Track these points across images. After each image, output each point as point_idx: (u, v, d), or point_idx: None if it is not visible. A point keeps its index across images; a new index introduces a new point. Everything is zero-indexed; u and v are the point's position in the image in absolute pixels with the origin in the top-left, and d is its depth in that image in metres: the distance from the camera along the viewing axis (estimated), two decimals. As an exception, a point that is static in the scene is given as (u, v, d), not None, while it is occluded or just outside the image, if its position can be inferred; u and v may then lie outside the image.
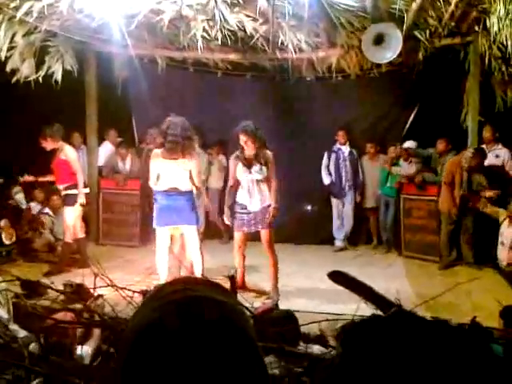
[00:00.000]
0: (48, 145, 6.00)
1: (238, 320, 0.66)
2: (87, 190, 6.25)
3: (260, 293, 5.36)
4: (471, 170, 6.20)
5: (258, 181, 5.07)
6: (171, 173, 5.02)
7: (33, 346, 3.33)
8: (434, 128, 6.73)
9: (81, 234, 6.29)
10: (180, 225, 5.16)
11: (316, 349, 3.13)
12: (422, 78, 6.88)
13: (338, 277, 1.83)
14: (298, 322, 3.20)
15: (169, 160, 4.97)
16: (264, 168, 5.04)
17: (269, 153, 5.09)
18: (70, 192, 6.06)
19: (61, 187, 6.14)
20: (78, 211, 6.11)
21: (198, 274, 5.13)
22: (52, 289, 3.64)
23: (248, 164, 5.05)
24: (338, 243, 7.61)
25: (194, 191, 5.17)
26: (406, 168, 7.06)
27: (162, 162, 5.00)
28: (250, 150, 5.01)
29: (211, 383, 0.60)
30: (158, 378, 0.60)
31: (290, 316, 3.30)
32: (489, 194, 6.08)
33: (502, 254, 5.77)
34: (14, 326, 3.93)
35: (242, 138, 4.98)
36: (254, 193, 5.10)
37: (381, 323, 0.69)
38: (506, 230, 5.75)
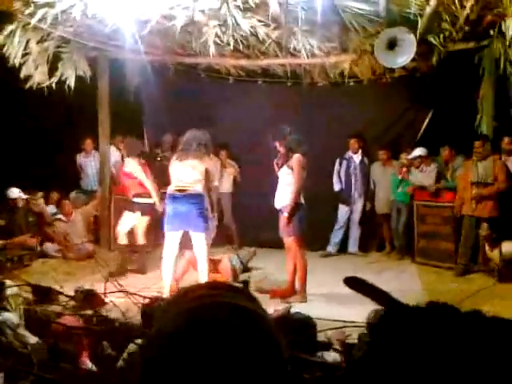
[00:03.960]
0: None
1: (262, 326, 0.65)
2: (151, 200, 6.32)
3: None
4: (482, 158, 6.14)
5: (283, 182, 5.25)
6: (180, 172, 5.12)
7: (42, 353, 3.31)
8: (447, 134, 6.65)
9: (141, 241, 6.47)
10: (187, 230, 5.13)
11: (331, 356, 3.08)
12: (436, 83, 6.81)
13: (354, 283, 1.77)
14: (315, 329, 3.14)
15: (180, 161, 5.14)
16: (290, 171, 5.21)
17: (295, 156, 5.20)
18: (136, 200, 6.31)
19: (130, 196, 6.38)
20: (142, 219, 6.34)
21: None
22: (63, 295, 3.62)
23: (280, 165, 5.31)
24: (330, 248, 7.56)
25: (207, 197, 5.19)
26: (419, 176, 6.97)
27: (173, 163, 5.20)
28: (281, 153, 5.30)
29: None
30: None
31: (308, 323, 3.25)
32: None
33: None
34: (24, 332, 3.93)
35: (273, 142, 5.33)
36: (277, 192, 5.30)
37: (412, 313, 0.66)
38: None
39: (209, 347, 0.59)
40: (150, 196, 6.27)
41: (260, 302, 0.71)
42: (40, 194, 7.30)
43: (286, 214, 5.17)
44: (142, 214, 6.40)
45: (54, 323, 2.93)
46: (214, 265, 5.49)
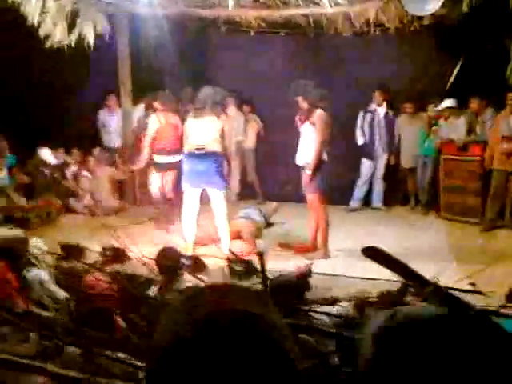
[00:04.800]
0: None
1: (274, 336, 0.63)
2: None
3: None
4: None
5: (305, 138, 5.15)
6: (198, 130, 5.07)
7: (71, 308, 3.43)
8: (478, 85, 6.37)
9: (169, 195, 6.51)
10: (207, 187, 5.14)
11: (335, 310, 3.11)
12: (467, 30, 6.47)
13: (372, 252, 1.76)
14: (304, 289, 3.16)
15: (197, 120, 5.08)
16: (312, 128, 5.08)
17: (318, 112, 5.07)
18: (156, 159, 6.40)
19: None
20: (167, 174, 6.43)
21: (224, 247, 5.14)
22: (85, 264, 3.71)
23: (302, 121, 5.18)
24: (353, 204, 7.46)
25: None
26: (448, 129, 6.73)
27: (189, 122, 5.13)
28: (304, 108, 5.15)
29: None
30: None
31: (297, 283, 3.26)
32: None
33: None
34: (54, 288, 4.08)
35: (295, 96, 5.17)
36: (299, 148, 5.22)
37: (429, 319, 0.63)
38: None
39: (214, 360, 0.58)
40: (175, 153, 6.20)
41: (272, 305, 0.69)
42: (61, 150, 7.43)
43: (308, 171, 5.12)
44: (166, 170, 6.45)
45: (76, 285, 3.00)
46: (236, 233, 5.47)
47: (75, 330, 2.33)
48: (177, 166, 6.16)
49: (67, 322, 2.45)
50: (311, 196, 5.26)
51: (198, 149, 5.05)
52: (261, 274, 2.72)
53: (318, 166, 5.11)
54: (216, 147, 5.07)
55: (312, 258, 5.01)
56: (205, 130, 5.05)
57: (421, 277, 1.82)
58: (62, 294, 4.00)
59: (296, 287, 3.24)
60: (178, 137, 6.10)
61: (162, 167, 6.42)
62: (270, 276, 3.28)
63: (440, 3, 5.62)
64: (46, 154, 7.06)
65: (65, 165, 7.47)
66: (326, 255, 5.25)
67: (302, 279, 3.70)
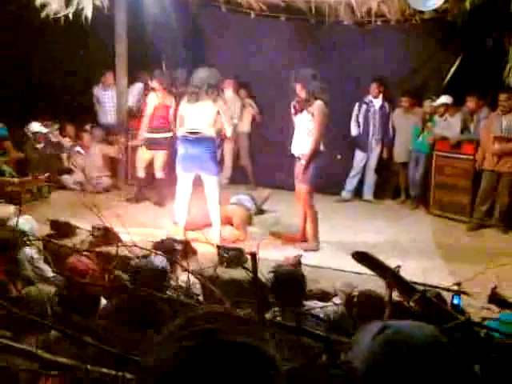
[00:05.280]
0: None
1: (266, 368, 0.64)
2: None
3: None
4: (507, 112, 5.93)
5: (301, 129, 5.09)
6: (192, 115, 5.04)
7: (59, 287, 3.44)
8: (475, 83, 6.38)
9: (159, 175, 6.64)
10: (200, 172, 5.13)
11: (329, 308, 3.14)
12: (468, 28, 6.45)
13: (362, 257, 1.80)
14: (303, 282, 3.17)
15: (192, 104, 5.03)
16: (310, 118, 5.01)
17: (317, 103, 5.00)
18: (149, 135, 6.54)
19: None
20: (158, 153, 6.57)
21: (215, 233, 5.15)
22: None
23: (298, 110, 5.10)
24: (345, 194, 7.47)
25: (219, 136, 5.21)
26: (442, 126, 6.75)
27: (184, 106, 5.09)
28: (302, 97, 5.06)
29: None
30: None
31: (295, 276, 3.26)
32: None
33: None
34: (42, 266, 4.09)
35: (294, 84, 5.07)
36: (295, 138, 5.18)
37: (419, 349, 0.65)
38: None
39: None
40: (164, 131, 6.36)
41: (267, 335, 0.69)
42: (56, 126, 7.36)
43: (303, 162, 5.11)
44: (156, 149, 6.49)
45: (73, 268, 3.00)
46: (226, 219, 5.48)
47: (63, 316, 2.34)
48: (166, 145, 6.34)
49: (56, 305, 2.45)
50: (301, 186, 5.24)
51: (192, 133, 5.02)
52: (252, 273, 2.72)
53: (314, 157, 5.10)
54: (210, 132, 5.04)
55: (302, 248, 5.04)
56: (200, 115, 5.01)
57: (408, 284, 1.86)
58: (49, 272, 4.01)
59: (299, 279, 3.20)
60: (167, 117, 6.37)
61: (152, 145, 6.49)
62: (260, 266, 3.28)
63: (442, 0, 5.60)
64: (36, 127, 7.01)
65: (59, 142, 7.40)
66: (316, 247, 5.25)
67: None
